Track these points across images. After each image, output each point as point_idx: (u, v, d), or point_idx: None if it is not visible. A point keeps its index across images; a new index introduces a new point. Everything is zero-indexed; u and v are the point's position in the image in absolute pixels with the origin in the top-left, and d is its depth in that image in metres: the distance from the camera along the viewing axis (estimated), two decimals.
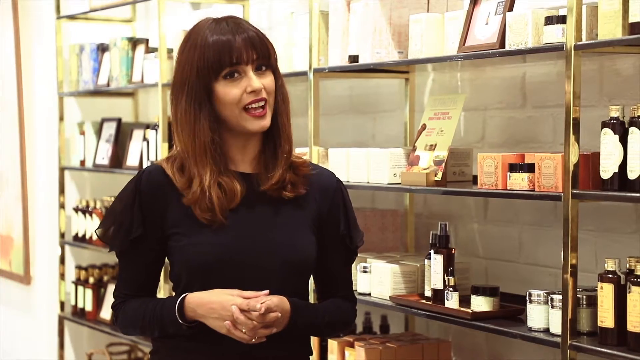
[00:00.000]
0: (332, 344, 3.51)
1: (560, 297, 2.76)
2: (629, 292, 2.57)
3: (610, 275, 2.64)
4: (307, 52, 3.61)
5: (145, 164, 4.61)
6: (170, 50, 4.46)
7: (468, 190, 3.12)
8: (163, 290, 4.12)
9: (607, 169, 2.62)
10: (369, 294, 3.40)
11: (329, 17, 3.55)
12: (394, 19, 3.34)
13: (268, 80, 2.28)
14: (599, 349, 2.64)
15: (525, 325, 2.90)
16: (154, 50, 4.63)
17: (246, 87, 2.25)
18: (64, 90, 5.32)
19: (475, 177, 3.17)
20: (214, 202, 2.25)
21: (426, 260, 3.22)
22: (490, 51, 2.95)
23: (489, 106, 3.55)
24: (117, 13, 5.44)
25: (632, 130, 2.56)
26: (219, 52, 2.24)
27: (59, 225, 5.33)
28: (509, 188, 2.90)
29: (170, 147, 4.36)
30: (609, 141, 2.61)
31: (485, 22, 3.02)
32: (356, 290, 3.30)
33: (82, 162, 5.28)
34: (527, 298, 2.89)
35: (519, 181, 2.86)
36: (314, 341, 3.58)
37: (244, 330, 2.20)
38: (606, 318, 2.64)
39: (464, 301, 3.10)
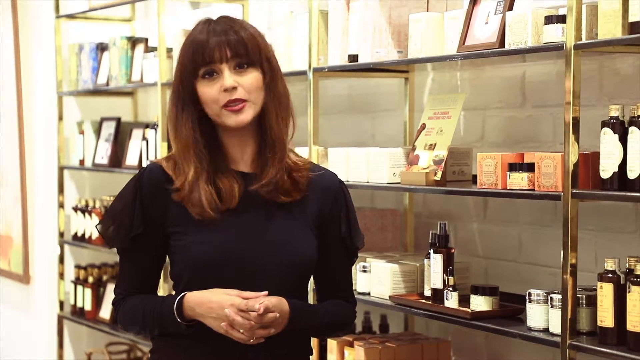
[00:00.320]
0: (332, 344, 3.51)
1: (559, 296, 2.76)
2: (629, 291, 2.57)
3: (609, 275, 2.64)
4: (307, 52, 3.61)
5: (145, 164, 4.60)
6: (169, 50, 4.46)
7: (468, 190, 3.12)
8: (163, 290, 4.11)
9: (607, 168, 2.62)
10: (369, 294, 3.40)
11: (328, 17, 3.55)
12: (393, 18, 3.34)
13: (248, 78, 2.28)
14: (598, 348, 2.64)
15: (525, 324, 2.90)
16: (154, 49, 4.63)
17: (220, 86, 2.26)
18: (63, 89, 5.31)
19: (474, 177, 3.17)
20: (201, 198, 2.26)
21: (426, 260, 3.22)
22: (490, 50, 2.95)
23: (489, 106, 3.55)
24: (116, 12, 5.43)
25: (632, 129, 2.56)
26: (194, 52, 2.28)
27: (58, 225, 5.33)
28: (508, 187, 2.89)
29: (169, 146, 4.36)
30: (608, 141, 2.61)
31: (485, 21, 3.02)
32: (355, 290, 3.28)
33: (82, 162, 5.27)
34: (527, 298, 2.89)
35: (518, 181, 2.86)
36: (313, 341, 3.57)
37: (241, 331, 2.20)
38: (606, 318, 2.64)
39: (464, 301, 3.10)
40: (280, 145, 2.31)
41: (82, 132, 5.28)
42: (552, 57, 3.09)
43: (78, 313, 5.24)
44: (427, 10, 3.33)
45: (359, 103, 4.13)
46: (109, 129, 5.16)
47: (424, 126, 3.29)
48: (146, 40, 4.84)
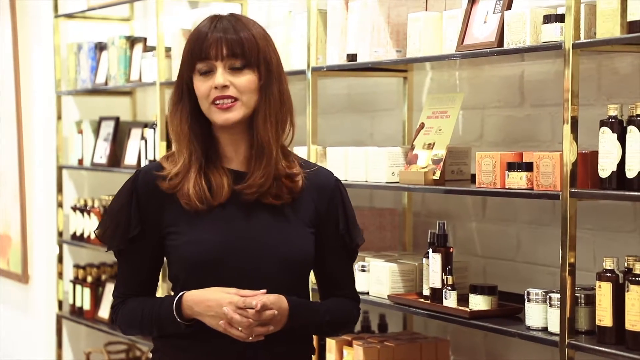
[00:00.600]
0: (331, 343, 3.50)
1: (558, 295, 2.76)
2: (627, 290, 2.57)
3: (608, 274, 2.64)
4: (306, 51, 3.61)
5: (144, 163, 4.61)
6: (168, 49, 4.45)
7: (466, 189, 3.12)
8: (162, 290, 4.11)
9: (606, 167, 2.62)
10: (367, 293, 3.39)
11: (327, 16, 3.55)
12: (392, 17, 3.34)
13: (242, 79, 2.28)
14: (597, 347, 2.64)
15: (524, 324, 2.90)
16: (152, 49, 4.63)
17: (212, 83, 2.27)
18: (61, 89, 5.31)
19: (473, 176, 3.17)
20: (189, 187, 2.27)
21: (424, 259, 3.22)
22: (488, 50, 2.95)
23: (487, 105, 3.55)
24: (115, 12, 5.43)
25: (631, 129, 2.56)
26: (193, 47, 2.30)
27: (57, 224, 5.33)
28: (507, 187, 2.89)
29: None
30: (607, 140, 2.61)
31: (484, 20, 3.02)
32: None
33: (80, 161, 5.27)
34: (526, 297, 2.89)
35: (517, 180, 2.86)
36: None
37: (239, 329, 2.20)
38: (604, 317, 2.64)
39: (462, 300, 3.10)
40: (268, 149, 2.30)
41: (80, 132, 5.28)
42: (550, 56, 3.09)
43: (77, 312, 5.24)
44: (426, 10, 3.33)
45: (358, 102, 4.13)
46: (107, 128, 5.16)
47: (422, 125, 3.29)
48: (145, 39, 4.84)
